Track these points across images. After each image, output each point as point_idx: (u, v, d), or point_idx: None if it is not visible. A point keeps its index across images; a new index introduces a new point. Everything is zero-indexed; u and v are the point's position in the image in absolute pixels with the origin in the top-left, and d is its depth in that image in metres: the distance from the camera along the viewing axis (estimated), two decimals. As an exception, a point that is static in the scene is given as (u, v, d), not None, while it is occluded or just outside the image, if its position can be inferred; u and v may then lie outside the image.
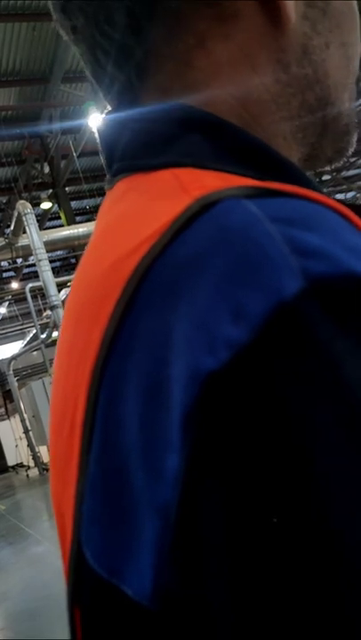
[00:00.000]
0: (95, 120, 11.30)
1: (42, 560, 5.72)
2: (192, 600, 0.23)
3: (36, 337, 14.78)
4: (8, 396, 18.89)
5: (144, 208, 0.30)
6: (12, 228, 13.32)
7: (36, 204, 15.55)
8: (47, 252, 12.68)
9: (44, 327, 14.19)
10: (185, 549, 0.23)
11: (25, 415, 13.58)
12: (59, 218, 17.17)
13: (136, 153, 0.34)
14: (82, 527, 0.28)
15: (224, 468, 0.22)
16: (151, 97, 0.37)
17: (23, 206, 12.22)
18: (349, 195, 19.42)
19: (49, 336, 13.01)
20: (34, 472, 13.73)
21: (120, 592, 0.25)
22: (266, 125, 0.36)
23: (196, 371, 0.22)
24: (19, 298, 19.72)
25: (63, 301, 13.41)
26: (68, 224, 15.61)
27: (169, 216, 0.27)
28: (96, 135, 0.40)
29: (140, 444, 0.25)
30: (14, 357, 15.03)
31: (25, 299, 15.55)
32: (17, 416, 14.87)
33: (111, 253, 0.30)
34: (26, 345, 17.53)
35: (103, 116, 0.39)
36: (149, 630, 0.25)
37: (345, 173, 18.39)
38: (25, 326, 18.46)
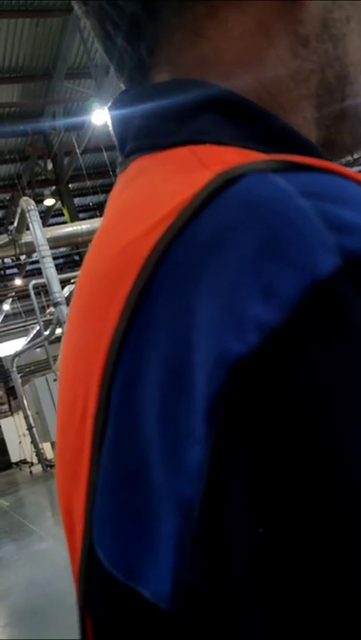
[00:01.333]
0: (99, 117, 11.28)
1: (45, 557, 5.73)
2: (214, 600, 0.22)
3: (39, 334, 14.79)
4: (12, 392, 18.91)
5: (161, 185, 0.28)
6: (15, 224, 13.31)
7: (39, 201, 15.55)
8: (50, 248, 12.68)
9: (47, 324, 14.19)
10: (208, 546, 0.21)
11: (28, 412, 13.60)
12: (62, 215, 17.15)
13: (151, 132, 0.33)
14: (94, 526, 0.26)
15: (251, 459, 0.20)
16: (163, 71, 0.35)
17: (26, 203, 12.21)
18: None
19: (52, 333, 13.01)
20: (37, 469, 13.75)
21: (136, 594, 0.24)
22: (284, 103, 0.34)
23: (222, 356, 0.21)
24: (22, 295, 19.72)
25: (67, 298, 13.40)
26: (72, 221, 15.60)
27: (189, 192, 0.25)
28: (108, 120, 0.38)
29: (160, 435, 0.23)
30: (18, 354, 15.05)
31: (28, 295, 15.54)
32: (20, 413, 14.89)
33: (126, 233, 0.28)
34: (29, 342, 17.55)
35: (115, 97, 0.37)
36: (167, 635, 0.23)
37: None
38: (28, 323, 18.47)
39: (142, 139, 0.33)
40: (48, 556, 5.72)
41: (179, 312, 0.23)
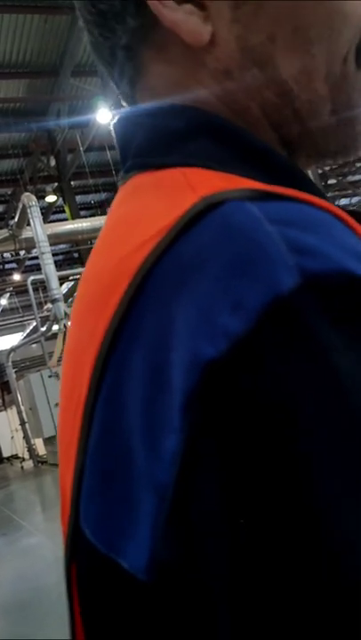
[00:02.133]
0: (103, 115, 11.29)
1: (34, 552, 5.74)
2: (186, 574, 0.24)
3: (35, 329, 14.79)
4: (5, 387, 18.88)
5: (152, 205, 0.32)
6: (16, 219, 13.31)
7: (40, 197, 15.53)
8: (50, 245, 12.67)
9: (44, 320, 14.20)
10: (181, 526, 0.24)
11: (22, 407, 13.59)
12: (63, 211, 17.17)
13: (148, 151, 0.36)
14: (80, 504, 0.30)
15: (221, 449, 0.23)
16: (143, 89, 0.40)
17: (28, 199, 12.22)
18: (355, 199, 19.41)
19: (49, 329, 13.01)
20: (28, 464, 13.75)
21: (117, 566, 0.27)
22: (247, 127, 0.37)
23: (196, 358, 0.24)
24: (20, 290, 19.72)
25: (65, 295, 13.41)
26: (73, 218, 15.61)
27: (175, 214, 0.28)
28: (111, 130, 0.41)
29: (141, 425, 0.26)
30: (13, 349, 15.04)
31: (26, 291, 15.55)
32: (14, 408, 14.88)
33: (120, 248, 0.31)
34: (25, 337, 17.54)
35: (115, 110, 0.41)
36: (144, 603, 0.26)
37: (351, 178, 18.37)
38: (25, 318, 18.47)
39: (140, 157, 0.37)
40: (37, 551, 5.73)
41: (161, 319, 0.26)
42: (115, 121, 0.41)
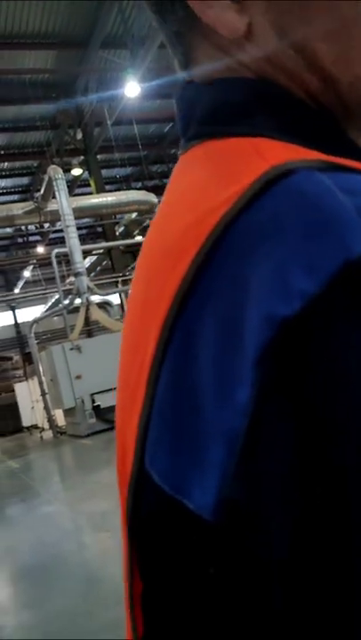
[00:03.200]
0: (132, 89, 11.19)
1: (51, 519, 5.89)
2: (252, 518, 0.26)
3: (57, 302, 14.91)
4: (28, 358, 19.15)
5: (220, 172, 0.33)
6: (41, 192, 13.35)
7: (66, 170, 15.51)
8: (75, 218, 12.70)
9: (66, 293, 14.30)
10: (248, 469, 0.26)
11: (43, 378, 13.77)
12: (88, 185, 17.15)
13: (213, 120, 0.37)
14: (147, 449, 0.31)
15: (290, 403, 0.25)
16: (197, 64, 0.41)
17: (54, 171, 12.22)
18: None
19: (71, 302, 13.12)
20: (47, 434, 13.99)
21: (181, 507, 0.28)
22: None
23: (271, 315, 0.26)
24: (43, 262, 19.85)
25: (87, 269, 13.43)
26: (98, 192, 15.60)
27: (245, 181, 0.30)
28: (174, 100, 0.43)
29: (213, 376, 0.28)
30: (36, 321, 15.20)
31: (49, 264, 15.64)
32: (35, 378, 15.08)
33: (190, 213, 0.32)
34: (48, 309, 17.67)
35: (182, 85, 0.43)
36: (205, 545, 0.28)
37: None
38: (48, 291, 18.60)
39: (204, 126, 0.38)
40: (54, 519, 5.87)
41: (235, 279, 0.28)
42: (176, 91, 0.43)
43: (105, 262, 19.93)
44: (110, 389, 11.23)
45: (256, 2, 0.36)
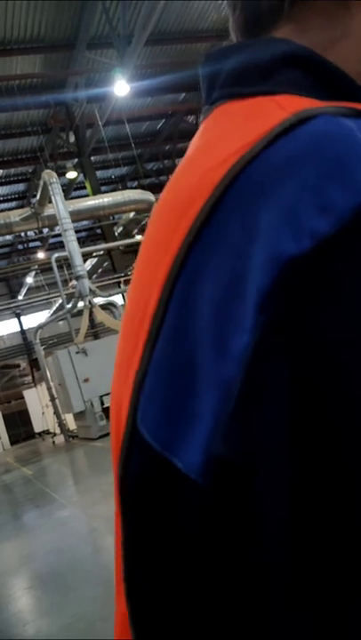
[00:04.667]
0: (121, 88, 11.14)
1: (66, 524, 5.88)
2: (241, 479, 0.24)
3: (61, 307, 14.91)
4: (35, 364, 19.19)
5: (239, 125, 0.32)
6: (37, 197, 13.35)
7: (61, 174, 15.52)
8: (73, 221, 12.69)
9: (69, 297, 14.29)
10: (242, 425, 0.24)
11: (51, 383, 13.79)
12: (84, 187, 17.13)
13: (238, 81, 0.36)
14: (139, 406, 0.29)
15: (293, 352, 0.24)
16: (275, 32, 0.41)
17: (49, 175, 12.21)
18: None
19: (74, 306, 13.11)
20: (59, 439, 14.01)
21: (171, 465, 0.27)
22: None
23: (277, 254, 0.24)
24: (45, 268, 19.85)
25: (88, 272, 13.41)
26: (94, 194, 15.57)
27: (267, 126, 0.28)
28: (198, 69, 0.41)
29: (212, 326, 0.26)
30: (41, 326, 15.22)
31: (50, 269, 15.64)
32: (43, 384, 15.11)
33: (205, 163, 0.31)
34: (52, 314, 17.70)
35: (211, 50, 0.40)
36: (194, 505, 0.26)
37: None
38: (51, 296, 18.62)
39: (229, 87, 0.37)
40: (69, 524, 5.86)
41: (244, 224, 0.26)
42: (202, 58, 0.41)
43: (106, 264, 19.93)
44: (119, 390, 11.19)
45: None
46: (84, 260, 14.36)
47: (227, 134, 0.32)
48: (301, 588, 0.24)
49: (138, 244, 15.64)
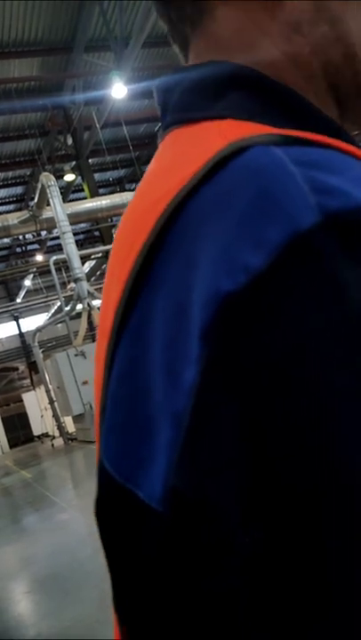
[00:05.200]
0: (118, 90, 11.15)
1: (66, 527, 5.86)
2: (200, 505, 0.25)
3: (60, 309, 14.91)
4: (33, 367, 19.16)
5: (185, 153, 0.33)
6: (35, 200, 13.34)
7: (59, 177, 15.50)
8: (71, 224, 12.68)
9: (68, 300, 14.28)
10: (195, 455, 0.25)
11: (50, 386, 13.77)
12: (82, 190, 17.13)
13: (185, 107, 0.37)
14: (100, 436, 0.30)
15: (237, 381, 0.24)
16: (193, 54, 0.41)
17: (47, 178, 12.20)
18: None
19: (73, 308, 13.10)
20: (58, 442, 13.98)
21: (134, 496, 0.27)
22: (292, 84, 0.37)
23: (215, 291, 0.25)
24: (43, 270, 19.84)
25: (87, 274, 13.42)
26: (92, 196, 15.57)
27: (202, 159, 0.29)
28: (154, 94, 0.42)
29: (163, 358, 0.27)
30: (39, 329, 15.19)
31: (49, 271, 15.63)
32: (42, 387, 15.08)
33: (152, 194, 0.33)
34: (50, 317, 17.69)
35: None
36: (157, 535, 0.27)
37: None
38: (49, 299, 18.61)
39: (178, 113, 0.38)
40: (69, 527, 5.85)
41: (185, 261, 0.28)
42: (156, 82, 0.42)
43: (104, 266, 19.92)
44: (118, 393, 11.19)
45: None
46: (83, 263, 14.35)
47: (174, 162, 0.33)
48: (262, 612, 0.25)
49: (136, 246, 15.58)
